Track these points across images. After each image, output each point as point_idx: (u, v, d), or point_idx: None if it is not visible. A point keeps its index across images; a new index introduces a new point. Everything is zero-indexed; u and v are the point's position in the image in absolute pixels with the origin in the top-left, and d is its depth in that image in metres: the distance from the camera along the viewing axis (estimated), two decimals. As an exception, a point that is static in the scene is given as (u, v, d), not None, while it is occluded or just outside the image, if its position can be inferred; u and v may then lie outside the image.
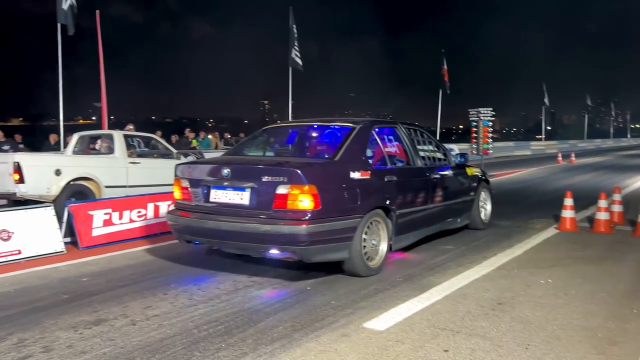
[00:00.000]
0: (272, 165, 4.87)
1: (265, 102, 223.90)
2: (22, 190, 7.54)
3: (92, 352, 3.29)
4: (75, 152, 9.11)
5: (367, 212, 4.92)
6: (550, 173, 18.04)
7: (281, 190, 4.51)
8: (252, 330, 3.61)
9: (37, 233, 5.92)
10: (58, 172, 7.88)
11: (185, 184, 5.19)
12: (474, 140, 22.86)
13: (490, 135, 22.72)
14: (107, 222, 6.57)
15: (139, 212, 6.91)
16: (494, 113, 22.44)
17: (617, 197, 7.87)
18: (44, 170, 7.79)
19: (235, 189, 4.79)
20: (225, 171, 4.85)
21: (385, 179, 5.27)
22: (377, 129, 5.63)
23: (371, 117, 5.94)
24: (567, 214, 7.20)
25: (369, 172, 5.06)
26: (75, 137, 9.36)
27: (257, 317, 3.88)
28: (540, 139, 48.57)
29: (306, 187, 4.44)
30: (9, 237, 5.71)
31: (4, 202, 8.32)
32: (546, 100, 45.79)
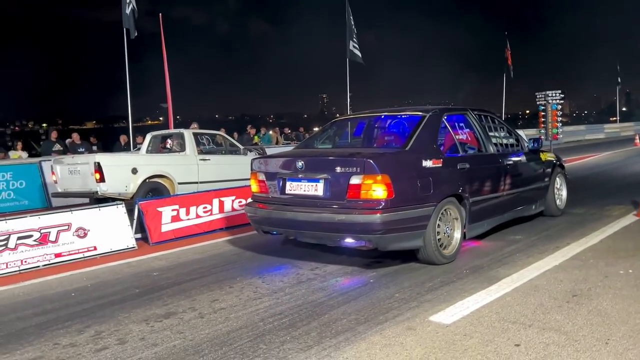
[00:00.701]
0: (344, 157, 4.93)
1: (324, 95, 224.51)
2: (102, 189, 8.04)
3: (163, 345, 3.40)
4: (148, 151, 9.60)
5: (440, 200, 4.93)
6: (626, 157, 16.98)
7: (354, 180, 4.59)
8: (316, 323, 3.61)
9: (110, 230, 6.22)
10: (135, 171, 8.33)
11: (262, 177, 5.35)
12: (542, 125, 21.93)
13: (560, 119, 21.72)
14: (175, 218, 6.79)
15: (205, 207, 7.10)
16: (562, 96, 21.40)
17: None
18: (122, 170, 8.26)
19: (310, 180, 4.91)
20: (300, 164, 4.97)
21: (458, 167, 5.26)
22: (447, 117, 5.59)
23: (432, 106, 5.83)
24: (648, 199, 6.74)
25: (441, 160, 5.07)
26: (148, 137, 9.88)
27: (321, 309, 3.88)
28: (614, 121, 45.82)
29: (379, 177, 4.50)
30: (85, 234, 6.02)
31: (84, 200, 8.91)
32: (619, 79, 43.15)
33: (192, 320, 3.81)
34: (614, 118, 50.07)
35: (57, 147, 12.42)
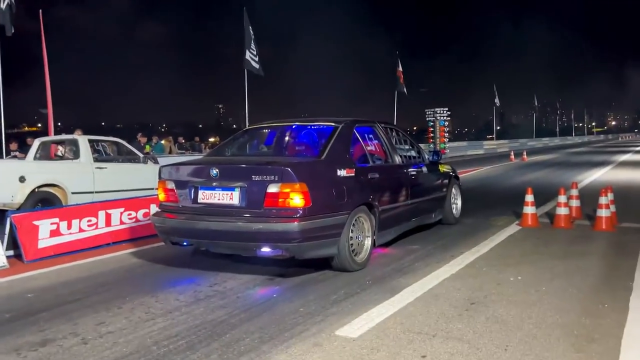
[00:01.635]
0: (262, 165, 4.90)
1: (220, 106, 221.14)
2: None
3: (38, 378, 2.96)
4: (37, 158, 8.78)
5: (354, 208, 5.02)
6: (505, 171, 18.41)
7: (272, 188, 4.55)
8: (216, 344, 3.35)
9: (-24, 247, 5.45)
10: (22, 179, 7.63)
11: (171, 185, 5.14)
12: (431, 140, 23.26)
13: (446, 134, 23.17)
14: (55, 233, 6.13)
15: (90, 220, 6.49)
16: (449, 113, 22.90)
17: (574, 192, 7.99)
18: (7, 177, 7.57)
19: (225, 189, 4.79)
20: (214, 171, 4.82)
21: (369, 176, 5.41)
22: (357, 128, 5.73)
23: (327, 117, 5.93)
24: (529, 210, 7.25)
25: (354, 169, 5.17)
26: (36, 143, 9.03)
27: (222, 329, 3.63)
28: (491, 139, 49.86)
29: (297, 185, 4.50)
30: (-57, 253, 5.22)
31: None
32: (497, 101, 47.03)
33: (74, 347, 3.38)
34: (491, 136, 54.51)
35: None
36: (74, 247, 6.24)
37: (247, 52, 18.11)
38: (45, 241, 6.02)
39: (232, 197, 4.76)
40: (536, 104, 67.60)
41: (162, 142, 17.36)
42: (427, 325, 3.57)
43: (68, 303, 4.34)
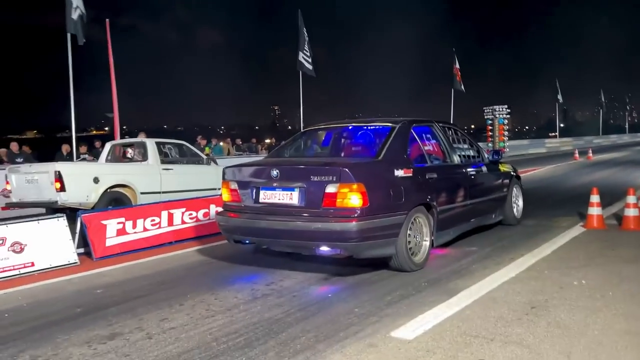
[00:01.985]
0: (320, 165, 4.98)
1: (276, 107, 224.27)
2: (63, 199, 7.79)
3: (107, 369, 3.12)
4: (108, 161, 9.40)
5: (411, 208, 5.02)
6: (568, 170, 17.67)
7: (330, 189, 4.62)
8: (273, 342, 3.42)
9: (51, 244, 5.80)
10: (96, 180, 8.13)
11: (234, 186, 5.30)
12: (490, 139, 22.64)
13: (506, 133, 22.48)
14: (121, 232, 6.43)
15: (153, 220, 6.77)
16: (509, 111, 22.18)
17: (644, 192, 7.57)
18: (83, 179, 8.06)
19: (285, 189, 4.91)
20: (274, 172, 4.95)
21: (427, 176, 5.38)
22: (414, 128, 5.71)
23: (384, 118, 5.94)
24: (594, 211, 6.93)
25: (411, 169, 5.17)
26: (107, 146, 9.69)
27: (278, 327, 3.70)
28: (554, 137, 47.88)
29: (355, 186, 4.55)
30: (22, 249, 5.59)
31: (38, 210, 8.52)
32: (559, 97, 45.12)
33: (140, 342, 3.54)
34: (554, 134, 52.37)
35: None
36: (138, 246, 6.53)
37: (301, 53, 18.31)
38: (112, 240, 6.33)
39: (291, 197, 4.87)
40: (603, 99, 64.33)
41: (221, 144, 17.83)
42: (485, 329, 3.50)
43: (133, 299, 4.56)
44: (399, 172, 5.01)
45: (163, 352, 3.35)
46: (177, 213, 7.04)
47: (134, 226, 6.57)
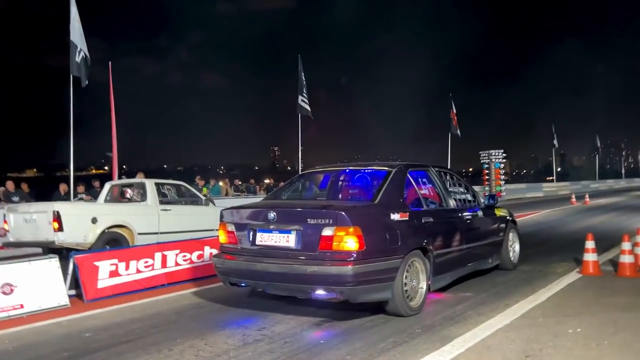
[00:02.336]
0: (317, 208, 5.01)
1: (276, 148, 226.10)
2: (60, 239, 7.77)
3: (90, 418, 3.04)
4: (107, 201, 9.40)
5: (408, 252, 5.03)
6: (565, 215, 17.68)
7: (327, 232, 4.63)
8: (262, 390, 3.35)
9: (41, 286, 5.73)
10: (94, 220, 8.10)
11: (231, 228, 5.31)
12: (486, 183, 22.76)
13: (502, 177, 22.61)
14: (114, 273, 6.38)
15: (146, 262, 6.72)
16: (505, 155, 22.41)
17: (640, 238, 7.56)
18: (81, 219, 8.03)
19: (282, 231, 4.92)
20: (272, 215, 4.97)
21: (423, 220, 5.40)
22: (410, 172, 5.80)
23: (381, 162, 6.05)
24: (590, 257, 6.90)
25: (407, 213, 5.20)
26: (107, 186, 9.71)
27: (268, 375, 3.63)
28: (551, 180, 48.11)
29: (351, 229, 4.57)
30: (12, 291, 5.52)
31: (33, 250, 8.55)
32: (555, 142, 45.58)
33: (125, 389, 3.47)
34: (551, 178, 52.64)
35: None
36: (131, 288, 6.46)
37: (300, 96, 18.64)
38: (104, 281, 6.27)
39: (288, 240, 4.87)
40: (599, 144, 65.00)
41: (220, 184, 17.89)
42: (478, 379, 3.43)
43: (122, 343, 4.48)
44: (395, 216, 5.04)
45: (149, 399, 3.27)
46: (170, 255, 7.00)
47: (127, 268, 6.51)
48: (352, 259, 4.55)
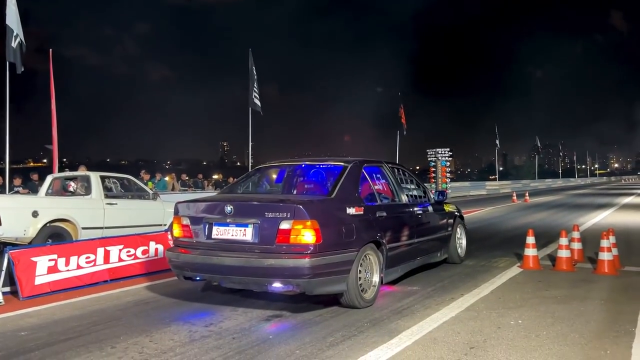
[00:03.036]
0: (274, 202, 5.02)
1: (225, 143, 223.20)
2: None
3: (25, 420, 2.89)
4: (48, 194, 9.00)
5: (362, 246, 5.12)
6: (507, 212, 18.35)
7: (284, 225, 4.67)
8: (209, 387, 3.28)
9: (-28, 283, 5.40)
10: (35, 214, 7.75)
11: (186, 221, 5.26)
12: (433, 180, 23.30)
13: (448, 175, 23.21)
14: (52, 269, 6.09)
15: (88, 257, 6.46)
16: (451, 153, 22.99)
17: (576, 234, 7.94)
18: (21, 212, 7.67)
19: (238, 225, 4.92)
20: (229, 208, 4.95)
21: (377, 215, 5.50)
22: (365, 168, 5.87)
23: (336, 157, 6.13)
24: (530, 252, 7.19)
25: (363, 208, 5.29)
26: (48, 179, 9.31)
27: (215, 371, 3.56)
28: (494, 179, 49.85)
29: (309, 222, 4.62)
30: (-61, 288, 5.18)
31: None
32: (497, 142, 47.26)
33: (64, 389, 3.31)
34: (493, 177, 54.52)
35: None
36: (71, 284, 6.20)
37: (251, 91, 18.44)
38: (42, 277, 5.98)
39: (245, 233, 4.88)
40: (538, 145, 67.93)
41: (166, 178, 17.45)
42: (425, 370, 3.49)
43: (61, 342, 4.28)
44: (351, 210, 5.12)
45: (89, 399, 3.14)
46: (114, 250, 6.76)
47: (67, 263, 6.24)
48: (309, 251, 4.61)
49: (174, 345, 4.13)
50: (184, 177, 19.51)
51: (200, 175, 20.55)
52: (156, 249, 7.24)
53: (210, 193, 14.73)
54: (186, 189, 17.89)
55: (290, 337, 4.29)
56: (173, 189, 17.04)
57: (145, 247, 7.12)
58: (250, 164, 21.65)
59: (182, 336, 4.36)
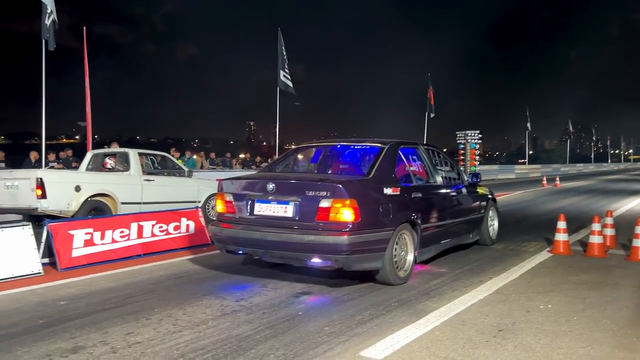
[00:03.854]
0: (315, 181, 5.17)
1: (252, 123, 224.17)
2: (43, 206, 7.75)
3: (68, 384, 3.03)
4: (88, 170, 9.35)
5: (398, 225, 5.25)
6: (536, 196, 18.07)
7: (324, 203, 4.83)
8: (241, 359, 3.38)
9: (14, 253, 5.62)
10: (78, 189, 8.10)
11: (229, 198, 5.46)
12: (462, 163, 23.03)
13: (477, 157, 22.91)
14: (89, 242, 6.29)
15: (122, 232, 6.64)
16: (481, 136, 22.65)
17: (609, 220, 7.79)
18: (65, 187, 8.02)
19: (280, 202, 5.09)
20: (271, 186, 5.13)
21: (412, 195, 5.64)
22: (402, 149, 5.99)
23: (374, 138, 6.40)
24: (561, 237, 7.09)
25: (399, 188, 5.42)
26: (88, 155, 9.66)
27: (247, 344, 3.65)
28: (523, 163, 49.02)
29: (347, 201, 4.78)
30: (-17, 258, 5.40)
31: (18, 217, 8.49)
32: (528, 125, 46.31)
33: (103, 356, 3.45)
34: (523, 160, 53.60)
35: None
36: (106, 257, 6.39)
37: (281, 71, 18.37)
38: (79, 250, 6.19)
39: (286, 210, 5.04)
40: (571, 129, 66.29)
41: (195, 157, 17.68)
42: (454, 351, 3.52)
43: (98, 312, 4.44)
44: (388, 190, 5.24)
45: (127, 367, 3.27)
46: (147, 225, 6.93)
47: (102, 237, 6.43)
48: (347, 229, 4.75)
49: (206, 318, 4.25)
50: (212, 155, 19.73)
51: (228, 154, 20.76)
52: (187, 225, 7.39)
53: (238, 172, 14.89)
54: (214, 167, 18.12)
55: (319, 314, 4.37)
56: (202, 167, 17.28)
57: (177, 223, 7.28)
58: (277, 144, 21.73)
59: (214, 310, 4.48)
